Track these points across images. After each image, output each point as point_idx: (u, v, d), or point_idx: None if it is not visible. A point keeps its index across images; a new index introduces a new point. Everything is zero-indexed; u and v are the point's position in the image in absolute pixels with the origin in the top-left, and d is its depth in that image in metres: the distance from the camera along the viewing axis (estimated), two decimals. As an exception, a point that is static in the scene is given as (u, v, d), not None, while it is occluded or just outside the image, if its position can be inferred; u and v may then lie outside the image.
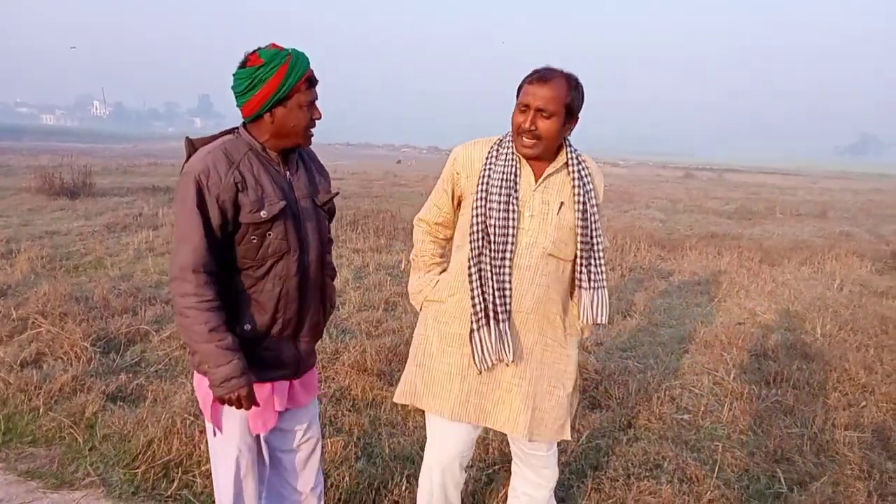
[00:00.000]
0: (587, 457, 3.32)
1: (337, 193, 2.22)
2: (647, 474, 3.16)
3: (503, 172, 2.04)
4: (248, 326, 1.95)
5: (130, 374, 4.03)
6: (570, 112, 2.01)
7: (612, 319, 2.11)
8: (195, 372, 2.02)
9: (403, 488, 2.93)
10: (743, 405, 4.00)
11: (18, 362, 4.04)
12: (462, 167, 2.15)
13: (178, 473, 2.97)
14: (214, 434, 2.04)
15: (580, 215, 2.05)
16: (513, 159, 2.06)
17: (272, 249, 1.93)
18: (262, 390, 2.00)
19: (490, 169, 2.06)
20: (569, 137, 2.10)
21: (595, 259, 2.09)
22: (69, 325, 4.60)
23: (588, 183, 2.07)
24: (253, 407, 1.94)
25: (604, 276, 2.11)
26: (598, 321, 2.12)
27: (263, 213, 1.88)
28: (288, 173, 2.01)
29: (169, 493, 2.89)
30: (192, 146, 1.95)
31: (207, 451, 2.97)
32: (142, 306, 5.32)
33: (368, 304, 5.85)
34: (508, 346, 2.03)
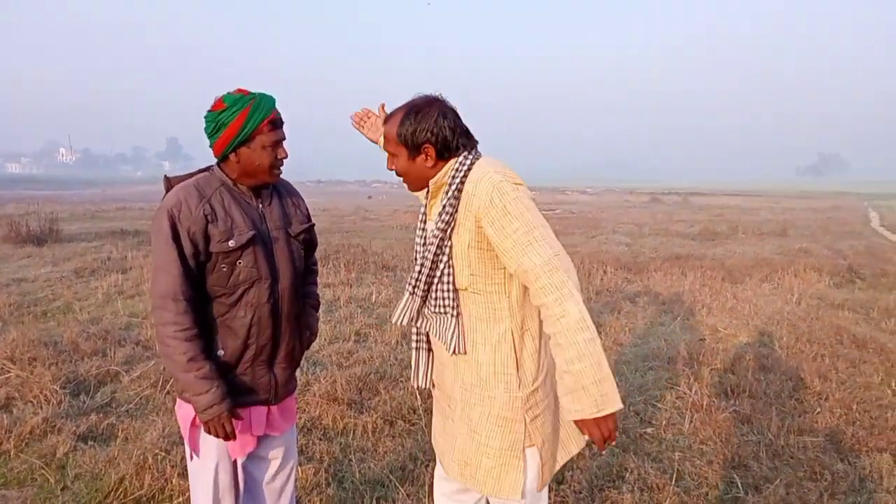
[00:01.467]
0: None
1: (312, 224, 2.33)
2: (610, 485, 3.28)
3: (421, 210, 2.10)
4: (220, 352, 2.05)
5: (101, 415, 4.05)
6: (409, 145, 1.91)
7: (458, 349, 1.97)
8: (178, 398, 2.12)
9: (373, 510, 3.00)
10: (703, 416, 4.14)
11: (-12, 407, 4.04)
12: None
13: (150, 508, 3.01)
14: (191, 458, 2.12)
15: (428, 240, 1.95)
16: (425, 200, 2.08)
17: (242, 277, 2.03)
18: (240, 414, 2.09)
19: (420, 207, 2.11)
20: (465, 153, 1.92)
21: (437, 284, 1.91)
22: (38, 370, 4.61)
23: (448, 209, 1.87)
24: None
25: (445, 302, 1.90)
26: (448, 349, 1.92)
27: (231, 243, 2.00)
28: (260, 205, 2.13)
29: (142, 527, 2.93)
30: (170, 184, 2.08)
31: (179, 484, 3.05)
32: (112, 348, 5.33)
33: (339, 336, 5.92)
34: (420, 373, 2.12)
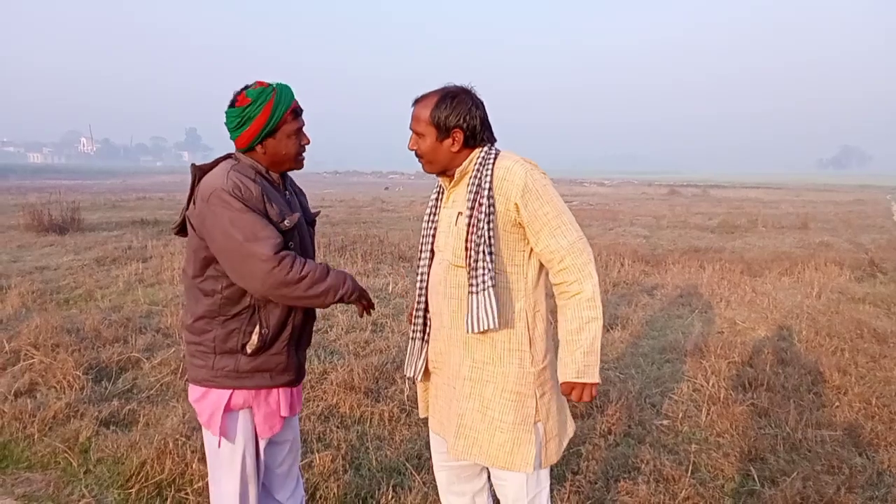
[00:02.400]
0: (568, 462, 3.43)
1: (319, 212, 2.42)
2: (625, 476, 3.29)
3: (433, 196, 2.20)
4: (265, 331, 2.09)
5: (123, 400, 4.12)
6: (441, 127, 1.99)
7: (493, 324, 2.02)
8: (194, 386, 2.14)
9: (390, 497, 3.03)
10: (720, 409, 4.12)
11: (12, 392, 4.13)
12: None
13: (171, 492, 3.06)
14: (220, 445, 2.14)
15: (466, 221, 1.97)
16: (438, 188, 2.19)
17: None
18: (269, 396, 2.15)
19: (432, 195, 2.22)
20: (488, 145, 2.04)
21: (481, 262, 1.92)
22: (61, 356, 4.69)
23: (484, 189, 1.94)
24: (261, 413, 2.12)
25: (486, 279, 1.91)
26: (474, 328, 1.93)
27: (287, 223, 2.06)
28: (287, 193, 2.21)
29: (162, 510, 2.98)
30: (201, 171, 2.10)
31: (199, 469, 3.10)
32: (133, 335, 5.41)
33: (356, 326, 5.96)
34: (414, 362, 2.20)
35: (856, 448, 3.66)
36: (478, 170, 1.99)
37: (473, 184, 1.97)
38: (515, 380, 1.99)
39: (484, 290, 1.92)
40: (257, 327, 2.08)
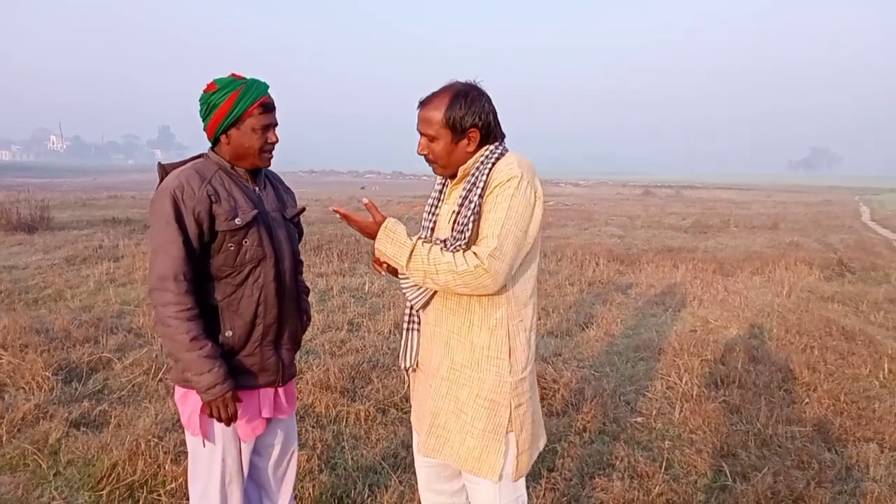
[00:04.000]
0: (544, 460, 3.45)
1: (304, 209, 2.38)
2: (601, 473, 3.32)
3: (436, 189, 2.14)
4: (229, 333, 2.06)
5: (93, 401, 4.05)
6: (456, 128, 1.92)
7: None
8: (177, 386, 2.11)
9: (366, 496, 3.03)
10: (693, 406, 4.18)
11: (-21, 394, 4.04)
12: None
13: (143, 493, 3.02)
14: (204, 445, 2.11)
15: (454, 217, 1.96)
16: (442, 180, 2.12)
17: (249, 256, 2.06)
18: (249, 397, 2.11)
19: (434, 188, 2.17)
20: (495, 144, 1.98)
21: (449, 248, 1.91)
22: (30, 356, 4.60)
23: (478, 188, 1.90)
24: (241, 414, 2.06)
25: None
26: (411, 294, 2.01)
27: (238, 221, 2.02)
28: (257, 189, 2.16)
29: (135, 512, 2.94)
30: (165, 171, 2.09)
31: (172, 470, 3.06)
32: (103, 335, 5.32)
33: (332, 326, 5.93)
34: (409, 354, 2.16)
35: (825, 443, 3.73)
36: (477, 168, 1.94)
37: (469, 181, 1.94)
38: (491, 387, 1.95)
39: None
40: (222, 328, 2.06)
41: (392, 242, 1.93)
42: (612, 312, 6.75)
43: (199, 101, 2.05)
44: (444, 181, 2.11)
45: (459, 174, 2.00)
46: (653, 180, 76.06)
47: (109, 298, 6.79)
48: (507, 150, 1.99)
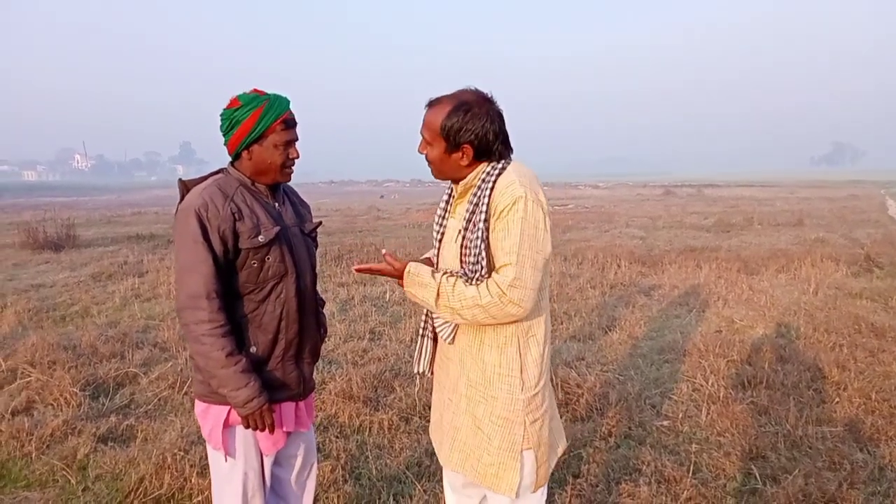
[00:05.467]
0: (569, 466, 3.42)
1: (321, 223, 2.39)
2: (627, 478, 3.28)
3: (444, 199, 2.11)
4: (253, 349, 2.08)
5: (120, 416, 4.10)
6: (450, 140, 1.88)
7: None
8: (198, 401, 2.13)
9: (391, 506, 3.02)
10: (720, 408, 4.12)
11: (10, 411, 4.10)
12: None
13: (170, 507, 3.05)
14: (226, 460, 2.12)
15: (460, 241, 1.94)
16: (449, 190, 2.10)
17: (272, 272, 2.07)
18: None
19: (443, 197, 2.14)
20: (496, 160, 1.93)
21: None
22: (58, 373, 4.67)
23: (481, 209, 1.87)
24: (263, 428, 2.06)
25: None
26: (444, 338, 2.00)
27: (261, 238, 2.04)
28: (276, 204, 2.18)
29: (162, 526, 2.96)
30: (185, 187, 2.11)
31: (198, 483, 3.08)
32: (129, 350, 5.39)
33: (354, 335, 5.95)
34: (422, 359, 2.16)
35: (857, 443, 3.66)
36: (479, 188, 1.91)
37: (472, 202, 1.91)
38: (504, 405, 1.94)
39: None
40: (247, 345, 2.07)
41: (419, 286, 1.93)
42: (635, 315, 6.69)
43: (221, 116, 2.07)
44: (450, 191, 2.09)
45: (461, 188, 1.98)
46: (673, 180, 75.41)
47: (135, 314, 6.87)
48: (507, 164, 1.94)
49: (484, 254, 1.86)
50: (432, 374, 2.19)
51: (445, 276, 1.92)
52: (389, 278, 2.02)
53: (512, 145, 1.97)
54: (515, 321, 1.91)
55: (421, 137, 1.97)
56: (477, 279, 1.87)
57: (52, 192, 59.05)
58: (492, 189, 1.88)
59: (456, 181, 2.00)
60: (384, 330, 6.12)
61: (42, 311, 7.05)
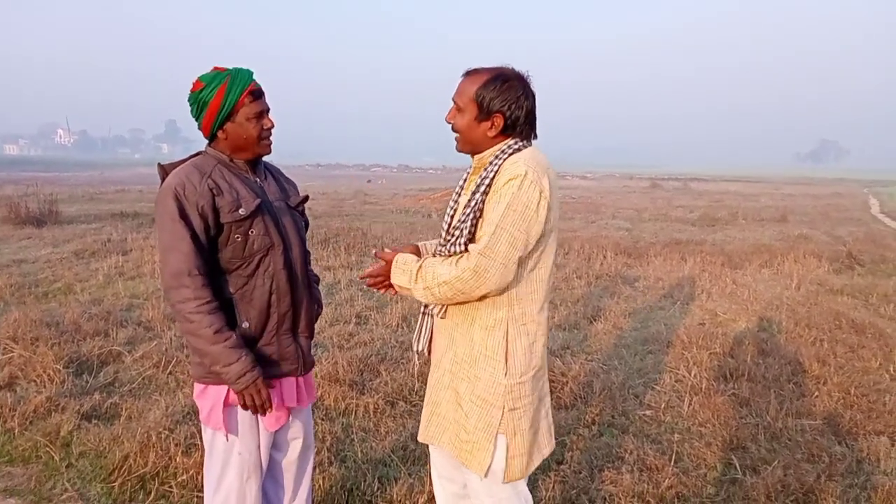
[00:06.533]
0: (553, 453, 3.43)
1: (307, 197, 2.38)
2: (609, 465, 3.32)
3: (461, 182, 2.12)
4: (245, 325, 2.07)
5: (104, 394, 4.08)
6: (482, 108, 1.91)
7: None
8: (196, 383, 2.11)
9: (376, 488, 3.04)
10: (702, 399, 4.17)
11: (-9, 386, 4.07)
12: None
13: (154, 485, 3.04)
14: (227, 439, 2.11)
15: (462, 209, 1.97)
16: (469, 169, 2.10)
17: (257, 245, 2.06)
18: (272, 387, 2.10)
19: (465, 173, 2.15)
20: (516, 140, 1.96)
21: (447, 245, 1.94)
22: (41, 349, 4.63)
23: (486, 181, 1.91)
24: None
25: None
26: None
27: (242, 211, 2.02)
28: (258, 179, 2.16)
29: (146, 504, 2.96)
30: (165, 171, 2.10)
31: (183, 462, 3.08)
32: (113, 328, 5.35)
33: (340, 319, 5.95)
34: (422, 337, 2.16)
35: (835, 437, 3.72)
36: (491, 163, 1.93)
37: (482, 175, 1.93)
38: (484, 386, 1.95)
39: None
40: (238, 321, 2.06)
41: (402, 272, 1.96)
42: (620, 305, 6.74)
43: (189, 101, 2.05)
44: (467, 171, 2.10)
45: (476, 163, 2.00)
46: (660, 173, 75.81)
47: (119, 292, 6.82)
48: (525, 147, 1.96)
49: (468, 224, 1.88)
50: (430, 353, 2.19)
51: (427, 258, 1.95)
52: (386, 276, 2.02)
53: (537, 132, 2.00)
54: (505, 305, 1.92)
55: (452, 105, 1.97)
56: (452, 244, 1.90)
57: (34, 166, 58.27)
58: (500, 165, 1.91)
59: (476, 154, 2.01)
60: (370, 314, 6.12)
61: (24, 286, 6.97)
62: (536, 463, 2.08)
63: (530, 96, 1.94)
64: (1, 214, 12.34)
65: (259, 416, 2.11)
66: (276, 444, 2.29)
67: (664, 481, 3.14)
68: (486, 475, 1.98)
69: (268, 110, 2.11)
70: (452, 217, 2.06)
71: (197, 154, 2.16)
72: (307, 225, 2.42)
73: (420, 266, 1.92)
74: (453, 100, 1.97)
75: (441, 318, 2.05)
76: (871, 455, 3.50)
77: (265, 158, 2.25)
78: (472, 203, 1.90)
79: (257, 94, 2.06)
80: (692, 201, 24.92)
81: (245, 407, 2.01)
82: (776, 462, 3.33)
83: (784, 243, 11.81)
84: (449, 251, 1.92)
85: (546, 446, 2.14)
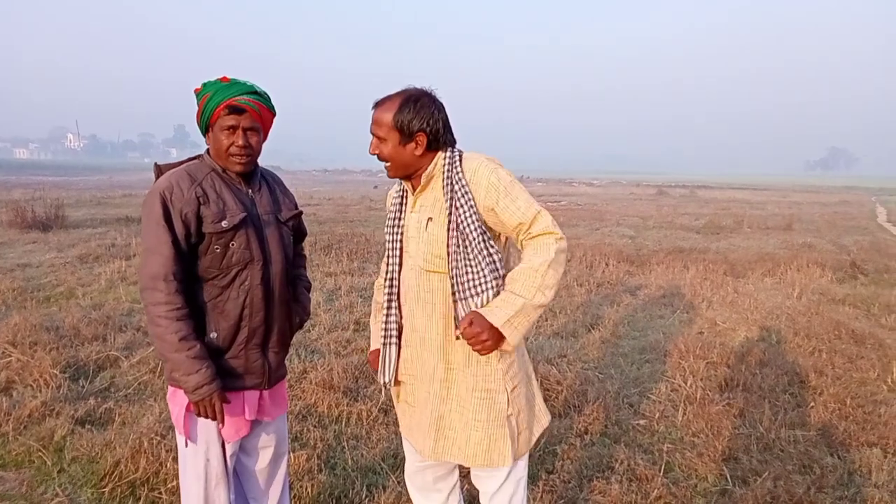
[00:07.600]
0: (543, 461, 3.45)
1: (301, 212, 2.38)
2: (599, 475, 3.31)
3: (395, 201, 2.18)
4: (213, 335, 2.08)
5: (99, 399, 4.10)
6: (404, 131, 1.98)
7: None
8: (170, 385, 2.13)
9: (364, 496, 3.04)
10: (696, 409, 4.16)
11: (-12, 391, 4.10)
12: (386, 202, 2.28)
13: (144, 491, 3.06)
14: (186, 444, 2.13)
15: (447, 226, 1.98)
16: (402, 185, 2.17)
17: (235, 259, 2.07)
18: (233, 399, 2.12)
19: (392, 198, 2.20)
20: (450, 148, 2.04)
21: (473, 269, 1.95)
22: (39, 354, 4.66)
23: (461, 191, 1.96)
24: (225, 416, 2.06)
25: (485, 284, 1.95)
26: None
27: (224, 223, 2.04)
28: (250, 191, 2.17)
29: (136, 509, 2.97)
30: (160, 171, 2.13)
31: (173, 468, 3.09)
32: (112, 333, 5.38)
33: (338, 325, 5.96)
34: (388, 367, 2.16)
35: (828, 448, 3.71)
36: (448, 173, 1.99)
37: (447, 187, 1.98)
38: (485, 377, 2.02)
39: (472, 296, 1.94)
40: (207, 330, 2.08)
41: (504, 306, 1.93)
42: (619, 314, 6.73)
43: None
44: (401, 193, 2.16)
45: (424, 179, 2.05)
46: (667, 180, 75.57)
47: (120, 297, 6.86)
48: (461, 151, 2.08)
49: (475, 227, 1.95)
50: (397, 383, 2.20)
51: (507, 280, 1.98)
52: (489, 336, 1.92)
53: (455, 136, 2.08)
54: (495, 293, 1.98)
55: (371, 139, 2.04)
56: (480, 241, 1.95)
57: (44, 170, 58.60)
58: (462, 173, 1.99)
59: (411, 176, 2.08)
60: (369, 321, 6.12)
61: (26, 291, 7.02)
62: (536, 436, 2.18)
63: (441, 108, 2.03)
64: (7, 218, 12.45)
65: (218, 426, 2.12)
66: (247, 451, 2.30)
67: (653, 492, 3.13)
68: (514, 461, 2.06)
69: (247, 128, 2.06)
70: (402, 242, 2.12)
71: (194, 158, 2.18)
72: (305, 234, 2.44)
73: (511, 285, 1.95)
74: (372, 132, 2.04)
75: (425, 333, 2.06)
76: (863, 467, 3.48)
77: (270, 167, 2.28)
78: (463, 208, 1.95)
79: (235, 109, 2.03)
80: (698, 209, 24.83)
81: (198, 414, 2.03)
82: (767, 473, 3.32)
83: (788, 252, 11.75)
84: (458, 257, 1.96)
85: (543, 418, 2.24)
